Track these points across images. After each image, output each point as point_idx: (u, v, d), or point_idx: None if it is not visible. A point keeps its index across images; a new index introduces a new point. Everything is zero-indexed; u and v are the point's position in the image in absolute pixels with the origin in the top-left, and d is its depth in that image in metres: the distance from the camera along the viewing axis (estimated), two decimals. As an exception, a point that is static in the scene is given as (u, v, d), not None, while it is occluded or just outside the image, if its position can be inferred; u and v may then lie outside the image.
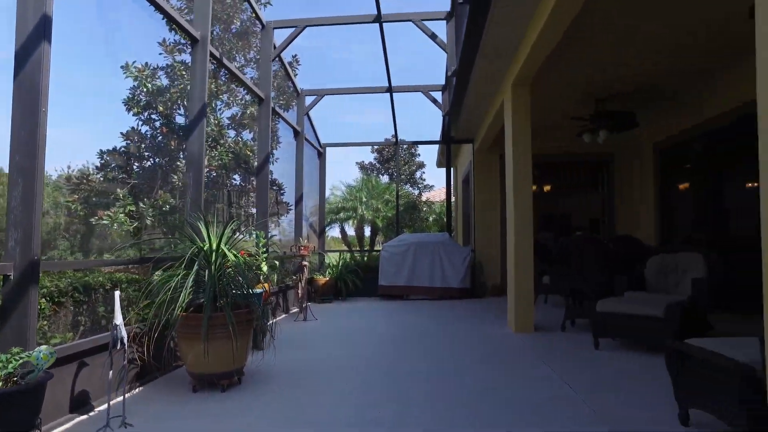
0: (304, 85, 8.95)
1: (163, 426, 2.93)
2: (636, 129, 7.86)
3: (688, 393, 2.63)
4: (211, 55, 4.94)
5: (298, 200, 8.64)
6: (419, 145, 18.06)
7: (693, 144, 7.77)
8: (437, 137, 11.14)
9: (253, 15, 7.00)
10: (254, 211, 7.83)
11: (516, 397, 3.37)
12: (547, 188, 11.41)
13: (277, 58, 7.23)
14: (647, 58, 5.82)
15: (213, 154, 7.71)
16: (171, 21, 4.52)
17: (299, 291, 6.92)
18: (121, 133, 6.38)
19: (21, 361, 2.27)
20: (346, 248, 14.42)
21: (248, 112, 8.23)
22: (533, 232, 5.90)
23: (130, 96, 6.59)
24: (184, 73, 7.10)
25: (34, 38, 2.75)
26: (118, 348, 2.96)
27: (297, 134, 8.57)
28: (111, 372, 2.99)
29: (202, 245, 3.65)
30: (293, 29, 6.83)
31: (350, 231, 15.74)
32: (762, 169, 1.50)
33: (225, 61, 5.45)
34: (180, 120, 7.10)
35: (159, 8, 4.29)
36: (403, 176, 18.43)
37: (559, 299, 7.23)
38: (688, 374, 2.62)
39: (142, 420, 2.98)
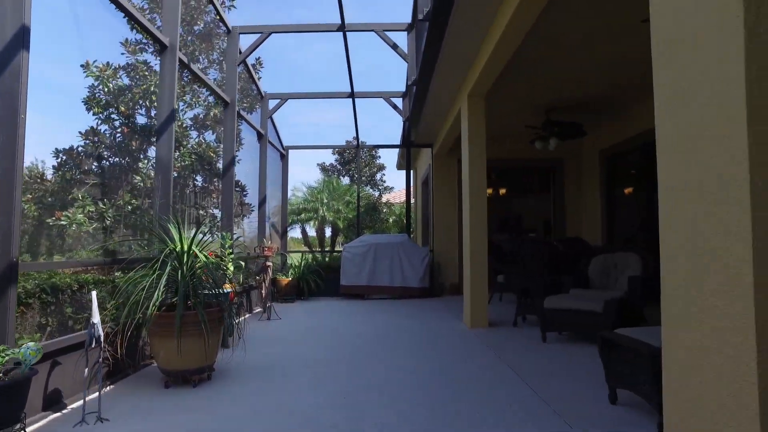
0: (267, 84, 9.07)
1: (139, 419, 3.07)
2: (584, 137, 8.43)
3: (615, 375, 3.02)
4: (180, 60, 5.04)
5: (262, 202, 8.75)
6: (380, 148, 18.36)
7: (635, 152, 8.40)
8: (397, 139, 11.46)
9: (218, 18, 7.07)
10: (215, 211, 7.92)
11: (467, 384, 3.69)
12: (502, 191, 11.92)
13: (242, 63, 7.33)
14: (593, 73, 6.29)
15: (176, 155, 7.72)
16: (141, 28, 4.61)
17: (263, 291, 7.06)
18: (80, 132, 6.31)
19: (8, 357, 2.38)
20: (306, 249, 14.53)
21: (212, 113, 8.27)
22: (488, 234, 6.28)
23: (90, 95, 6.53)
24: (146, 73, 7.09)
25: (13, 47, 2.85)
26: (93, 346, 3.08)
27: (261, 137, 8.67)
28: (87, 369, 3.10)
29: (174, 246, 3.79)
30: (259, 35, 6.97)
31: (311, 232, 15.87)
32: (660, 179, 1.85)
33: (192, 66, 5.56)
34: (141, 120, 7.07)
35: (130, 15, 4.38)
36: (363, 178, 18.68)
37: (513, 297, 7.67)
38: (615, 359, 3.00)
39: (118, 415, 3.11)
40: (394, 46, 7.27)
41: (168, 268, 3.58)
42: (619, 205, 9.23)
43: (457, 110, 7.03)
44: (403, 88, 9.29)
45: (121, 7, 4.37)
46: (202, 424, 3.01)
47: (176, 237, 3.86)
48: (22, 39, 2.87)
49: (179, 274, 3.65)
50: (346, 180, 18.52)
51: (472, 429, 2.85)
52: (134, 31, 7.09)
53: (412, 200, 13.07)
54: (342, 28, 6.91)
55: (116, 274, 4.45)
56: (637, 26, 4.83)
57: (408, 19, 7.30)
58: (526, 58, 5.54)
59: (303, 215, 15.08)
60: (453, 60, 5.60)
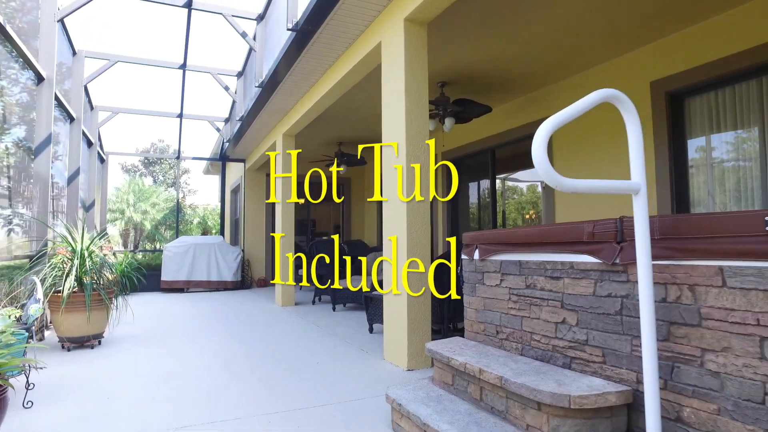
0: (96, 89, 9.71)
1: (68, 364, 4.47)
2: (366, 164, 11.40)
3: (371, 316, 5.64)
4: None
5: (91, 205, 9.42)
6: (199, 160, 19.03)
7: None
8: (205, 143, 12.89)
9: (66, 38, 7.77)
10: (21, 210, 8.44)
11: (286, 335, 5.95)
12: (301, 201, 14.37)
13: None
14: (369, 123, 9.11)
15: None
16: (23, 58, 5.51)
17: (99, 285, 8.03)
18: None
19: (20, 313, 3.71)
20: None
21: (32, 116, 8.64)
22: (294, 235, 8.58)
23: None
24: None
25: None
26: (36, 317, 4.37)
27: (90, 145, 9.35)
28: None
29: (75, 246, 5.11)
30: (105, 62, 7.94)
31: (112, 231, 15.84)
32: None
33: (58, 93, 6.48)
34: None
35: (13, 44, 5.27)
36: (167, 180, 19.08)
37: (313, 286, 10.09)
38: (371, 307, 5.62)
39: (48, 364, 4.44)
40: (226, 88, 9.01)
41: (77, 262, 4.94)
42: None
43: (272, 142, 9.16)
44: (226, 114, 10.95)
45: (5, 34, 5.27)
46: (122, 360, 4.59)
47: (77, 238, 5.17)
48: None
49: (87, 265, 5.02)
50: (148, 180, 18.66)
51: (299, 348, 5.10)
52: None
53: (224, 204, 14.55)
54: (183, 66, 8.38)
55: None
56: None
57: (239, 67, 9.12)
58: (327, 113, 8.02)
59: (108, 216, 15.06)
60: (274, 111, 7.76)
